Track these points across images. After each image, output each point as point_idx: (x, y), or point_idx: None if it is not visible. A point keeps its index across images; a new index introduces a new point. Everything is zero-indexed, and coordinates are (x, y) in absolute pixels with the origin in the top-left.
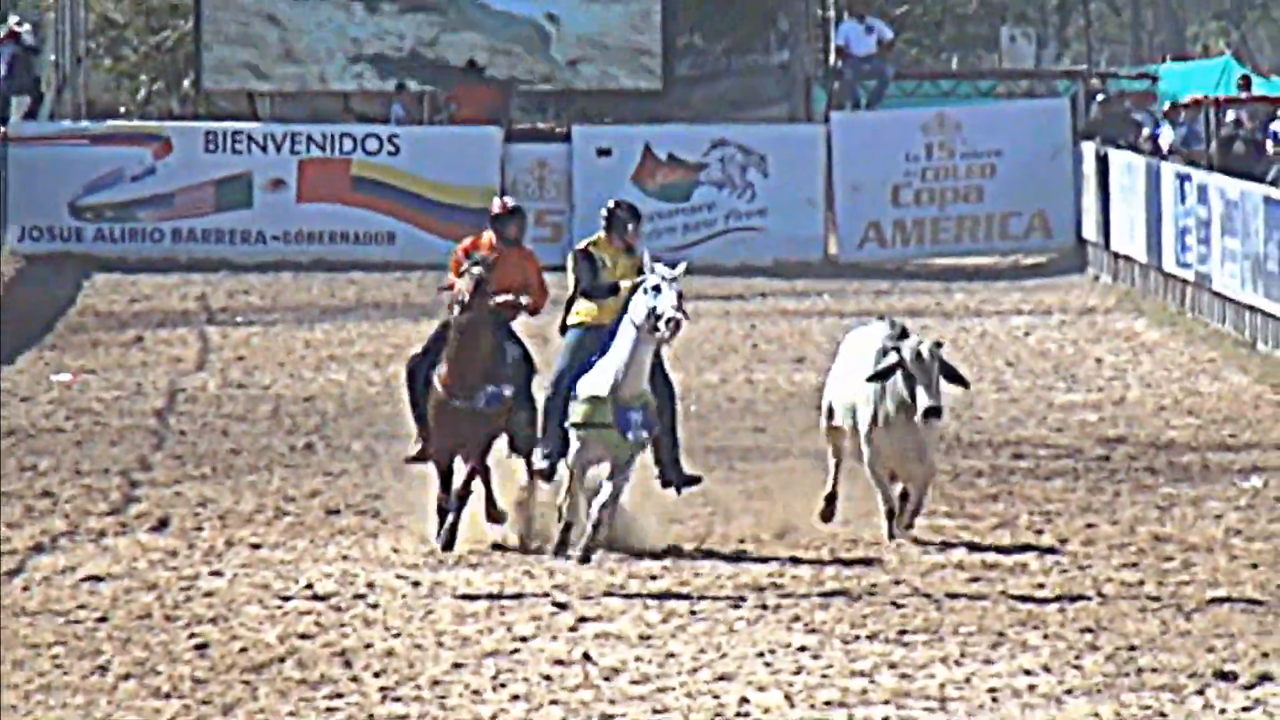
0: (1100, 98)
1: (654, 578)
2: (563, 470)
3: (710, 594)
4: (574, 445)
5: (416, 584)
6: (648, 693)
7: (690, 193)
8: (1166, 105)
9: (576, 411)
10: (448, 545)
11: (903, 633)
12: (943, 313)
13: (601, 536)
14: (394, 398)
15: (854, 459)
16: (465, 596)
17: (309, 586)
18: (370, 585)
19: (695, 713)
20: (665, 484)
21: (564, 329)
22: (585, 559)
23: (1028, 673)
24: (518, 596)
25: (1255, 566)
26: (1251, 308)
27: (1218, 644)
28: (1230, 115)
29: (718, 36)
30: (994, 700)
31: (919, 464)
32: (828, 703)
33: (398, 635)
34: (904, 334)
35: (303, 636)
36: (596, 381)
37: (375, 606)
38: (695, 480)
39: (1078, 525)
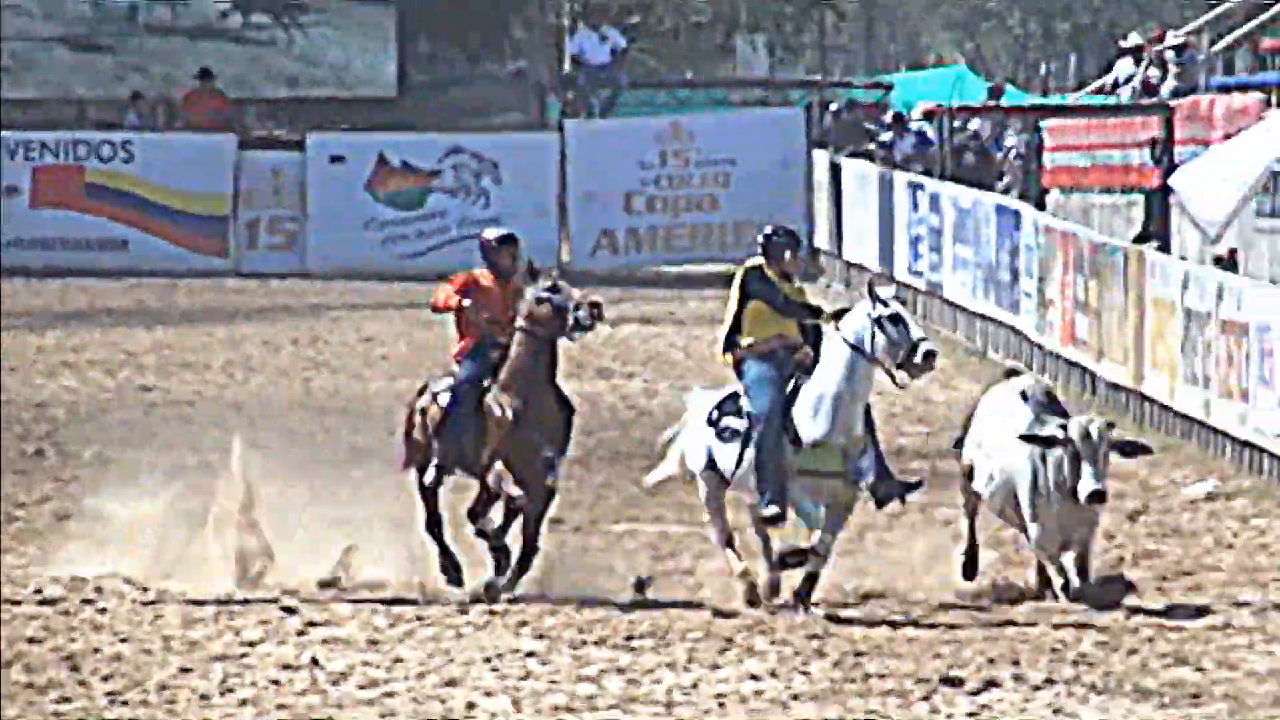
0: (833, 107)
1: (381, 584)
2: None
3: (439, 600)
4: (803, 491)
5: (145, 589)
6: (375, 697)
7: (424, 200)
8: (891, 115)
9: (803, 460)
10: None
11: (630, 638)
12: (675, 320)
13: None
14: (125, 403)
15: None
16: (193, 602)
17: (38, 592)
18: (98, 590)
19: (422, 717)
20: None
21: (731, 352)
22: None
23: (755, 678)
24: (245, 602)
25: (982, 574)
26: (982, 316)
27: (945, 650)
28: (973, 124)
29: (453, 44)
30: (721, 706)
31: (1083, 535)
32: (555, 708)
33: (125, 640)
34: (1054, 400)
35: (30, 641)
36: (816, 423)
37: (103, 611)
38: (916, 485)
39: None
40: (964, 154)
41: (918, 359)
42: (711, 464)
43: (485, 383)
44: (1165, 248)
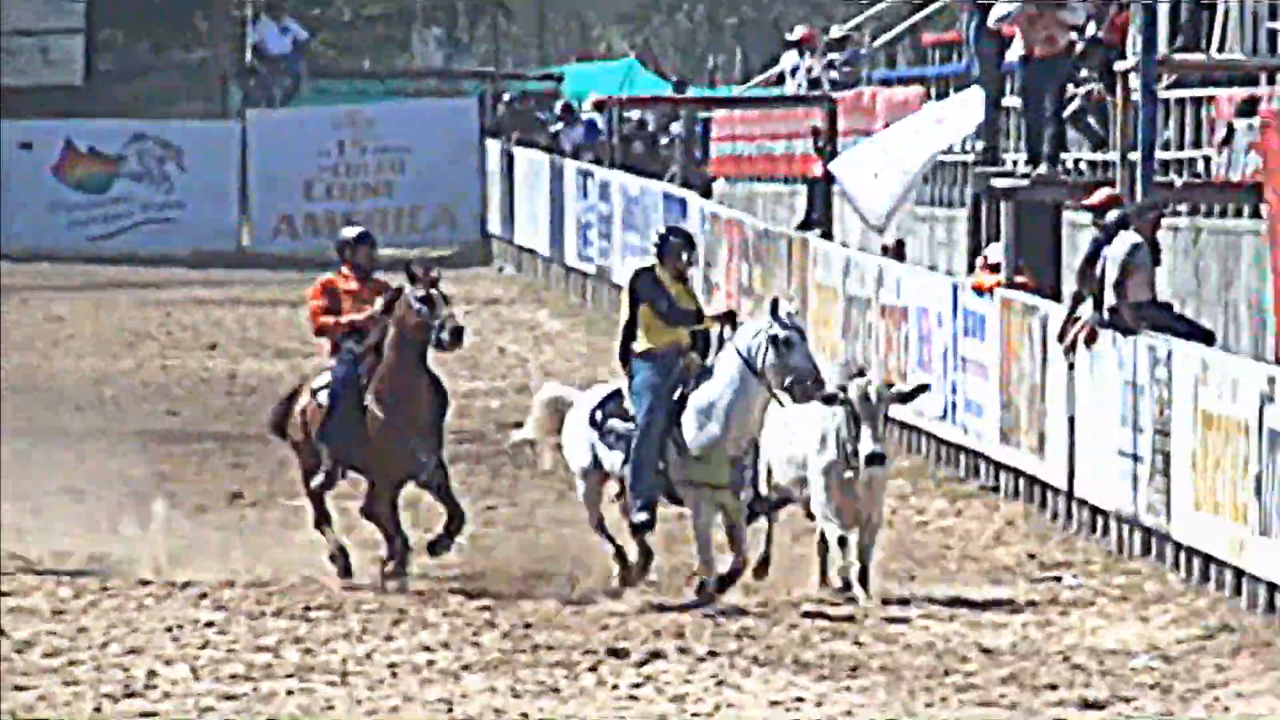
0: (506, 98)
1: (68, 553)
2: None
3: (120, 573)
4: (694, 503)
5: None
6: (59, 665)
7: (110, 185)
8: (560, 106)
9: (692, 469)
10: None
11: (307, 609)
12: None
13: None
14: None
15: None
16: None
17: None
18: None
19: (105, 684)
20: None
21: (625, 358)
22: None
23: (427, 649)
24: None
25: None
26: None
27: (611, 623)
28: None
29: (140, 34)
30: (394, 675)
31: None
32: (233, 676)
33: None
34: (861, 373)
35: None
36: (707, 430)
37: None
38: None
39: (480, 508)
40: (632, 143)
41: (801, 387)
42: (597, 464)
43: (362, 380)
44: (828, 235)
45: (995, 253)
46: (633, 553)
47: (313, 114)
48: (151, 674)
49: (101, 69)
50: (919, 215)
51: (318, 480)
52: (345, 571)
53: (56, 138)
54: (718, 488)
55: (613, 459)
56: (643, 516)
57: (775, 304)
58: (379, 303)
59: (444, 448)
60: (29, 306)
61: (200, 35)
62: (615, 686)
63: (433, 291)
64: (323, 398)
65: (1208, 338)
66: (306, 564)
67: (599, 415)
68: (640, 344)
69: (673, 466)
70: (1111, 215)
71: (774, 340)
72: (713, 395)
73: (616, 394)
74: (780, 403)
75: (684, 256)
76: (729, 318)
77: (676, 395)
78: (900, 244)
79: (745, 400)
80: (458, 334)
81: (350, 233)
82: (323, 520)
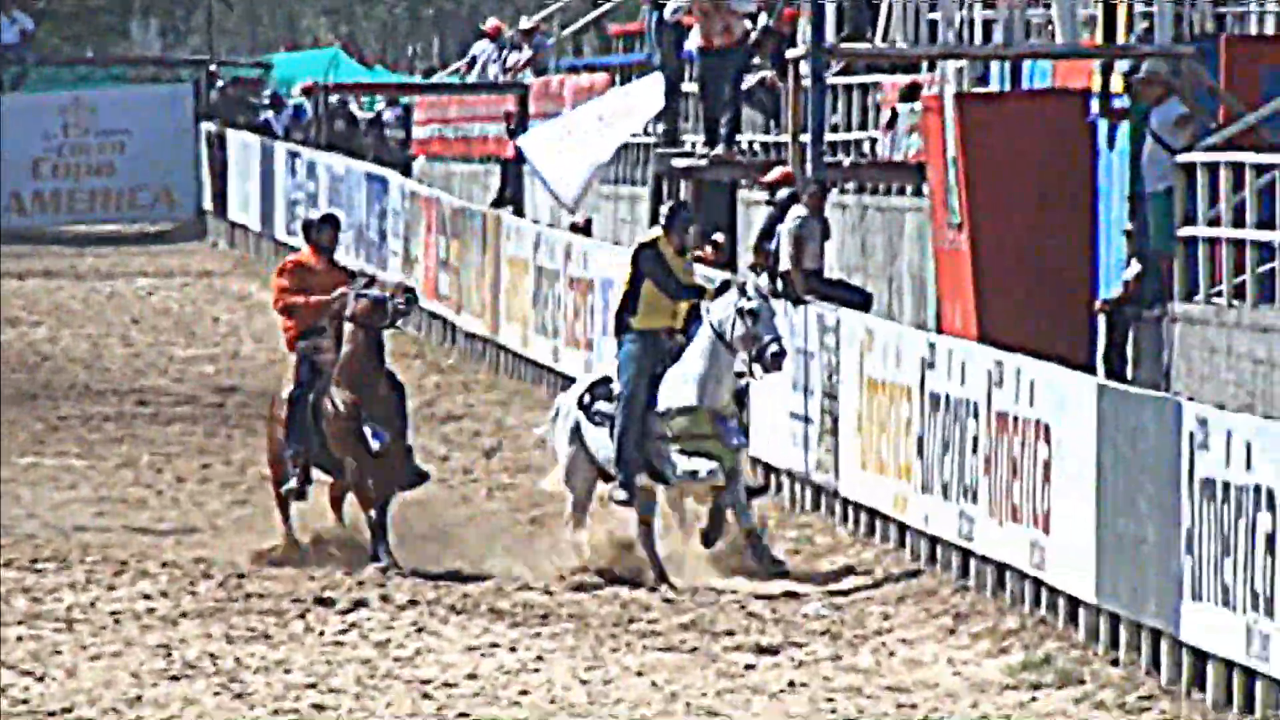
0: (220, 84)
1: None
2: (662, 497)
3: None
4: (679, 462)
5: None
6: None
7: None
8: (269, 94)
9: (673, 427)
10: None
11: (35, 560)
12: (76, 275)
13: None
14: None
15: None
16: None
17: None
18: None
19: None
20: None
21: (620, 329)
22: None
23: (147, 597)
24: None
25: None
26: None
27: (318, 573)
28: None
29: None
30: (116, 622)
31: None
32: None
33: None
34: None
35: None
36: (682, 394)
37: None
38: (761, 490)
39: (194, 466)
40: (334, 123)
41: (768, 358)
42: (581, 444)
43: (317, 382)
44: (519, 212)
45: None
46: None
47: (39, 99)
48: None
49: None
50: (604, 194)
51: (288, 486)
52: (299, 561)
53: None
54: (704, 438)
55: (598, 437)
56: (622, 495)
57: (744, 282)
58: (334, 297)
59: (407, 435)
60: None
61: None
62: (322, 633)
63: (373, 276)
64: (282, 411)
65: (866, 299)
66: (30, 517)
67: (587, 398)
68: (637, 321)
69: (653, 440)
70: (783, 193)
71: (741, 312)
72: (687, 366)
73: (606, 379)
74: (752, 374)
75: (689, 231)
76: (726, 289)
77: (658, 370)
78: (588, 222)
79: (716, 370)
80: (410, 293)
81: (315, 215)
82: (285, 516)
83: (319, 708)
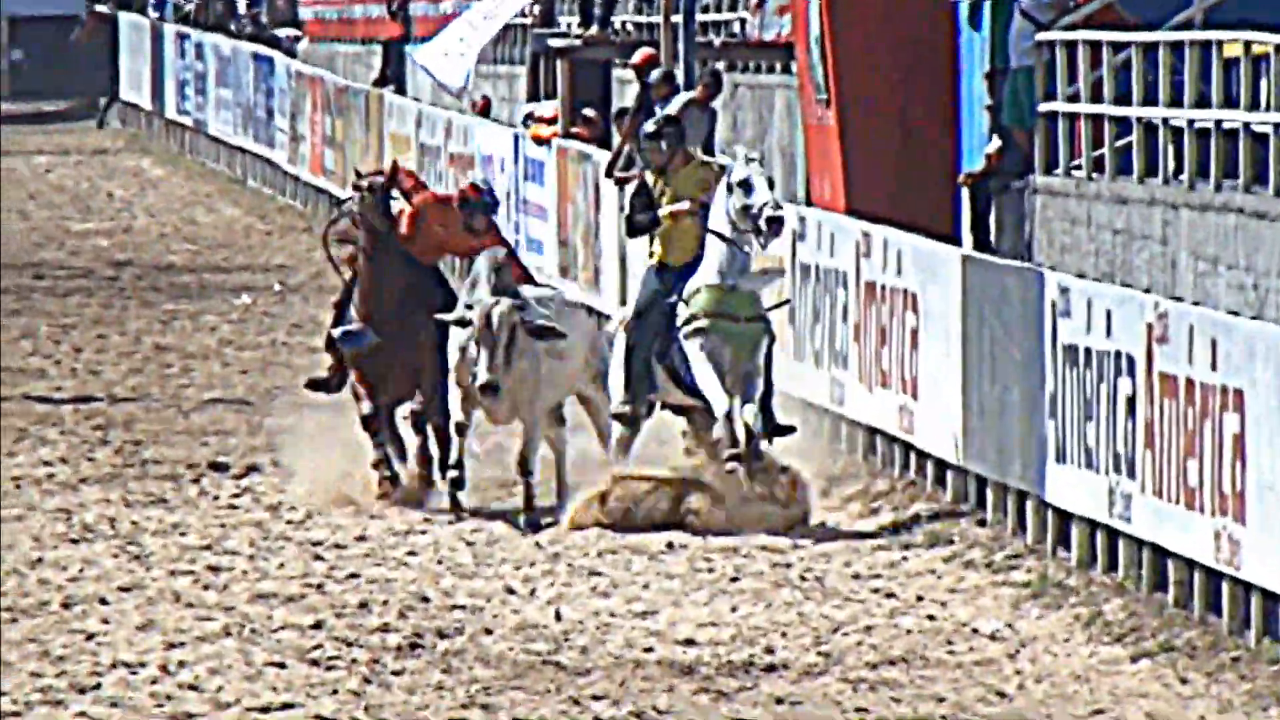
0: None
1: None
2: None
3: None
4: (693, 348)
5: None
6: None
7: None
8: None
9: (690, 307)
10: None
11: None
12: None
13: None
14: None
15: None
16: None
17: None
18: None
19: None
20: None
21: (631, 230)
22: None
23: (47, 464)
24: None
25: (245, 372)
26: (242, 150)
27: (213, 440)
28: None
29: None
30: (17, 487)
31: None
32: None
33: None
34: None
35: None
36: (701, 279)
37: None
38: (789, 429)
39: (91, 336)
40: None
41: (762, 223)
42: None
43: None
44: (401, 91)
45: (546, 108)
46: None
47: None
48: None
49: None
50: (483, 73)
51: (364, 409)
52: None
53: None
54: (723, 316)
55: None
56: (624, 408)
57: (736, 154)
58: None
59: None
60: None
61: None
62: (217, 498)
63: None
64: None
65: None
66: None
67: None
68: (654, 248)
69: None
70: (656, 74)
71: (731, 187)
72: (704, 268)
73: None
74: (761, 245)
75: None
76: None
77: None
78: (486, 100)
79: (733, 268)
80: (394, 164)
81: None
82: (377, 441)
83: (214, 569)
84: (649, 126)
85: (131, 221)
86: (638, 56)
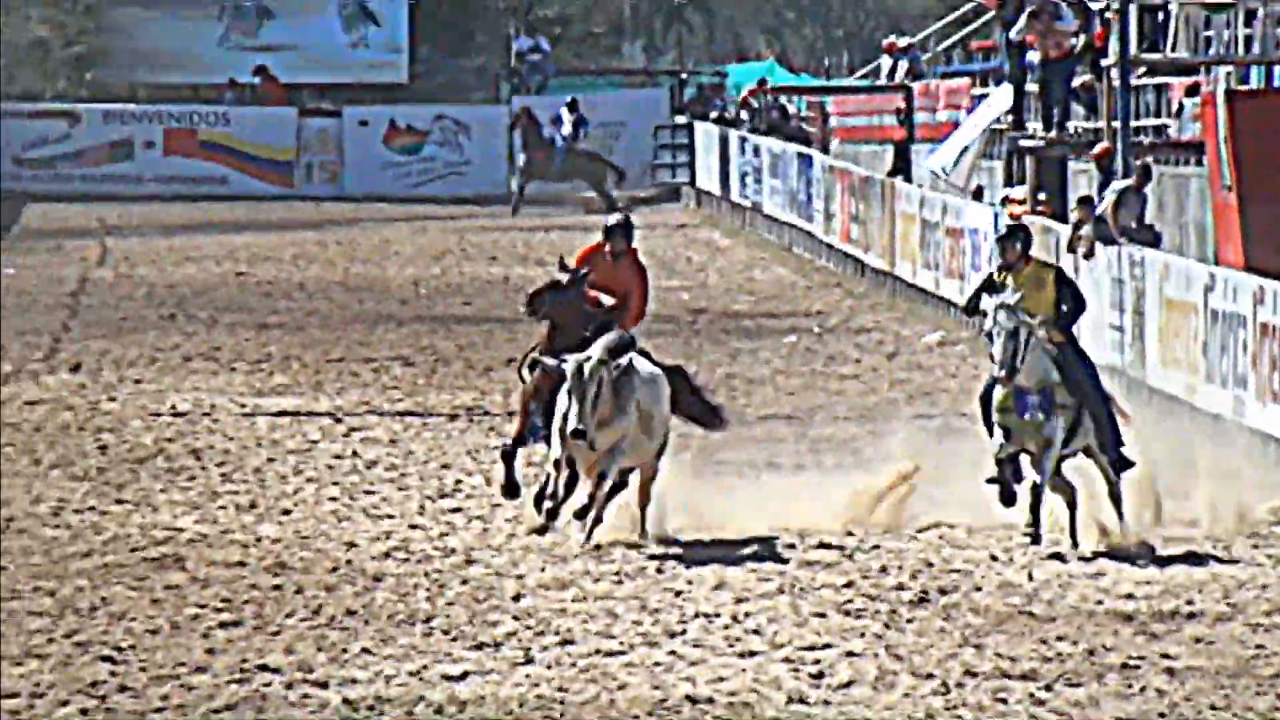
0: (689, 89)
1: (400, 400)
2: None
3: (437, 412)
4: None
5: (243, 405)
6: (394, 477)
7: (420, 149)
8: (739, 93)
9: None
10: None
11: None
12: (583, 228)
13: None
14: (227, 284)
15: None
16: (276, 413)
17: (173, 408)
18: (213, 406)
19: (426, 490)
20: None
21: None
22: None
23: None
24: (310, 414)
25: (791, 394)
26: (789, 224)
27: (767, 445)
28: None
29: (438, 46)
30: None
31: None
32: None
33: (231, 439)
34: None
35: (169, 440)
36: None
37: (216, 420)
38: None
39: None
40: (771, 114)
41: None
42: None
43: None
44: (908, 179)
45: (1018, 191)
46: None
47: (556, 100)
48: (457, 482)
49: (413, 71)
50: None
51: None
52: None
53: (384, 118)
54: (1005, 411)
55: None
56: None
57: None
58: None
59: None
60: (366, 232)
61: (480, 46)
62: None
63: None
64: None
65: (1158, 238)
66: None
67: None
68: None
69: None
70: (1116, 165)
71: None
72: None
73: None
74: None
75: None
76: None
77: None
78: (980, 189)
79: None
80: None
81: (611, 219)
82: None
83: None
84: (1002, 229)
85: (705, 279)
86: (1098, 149)
